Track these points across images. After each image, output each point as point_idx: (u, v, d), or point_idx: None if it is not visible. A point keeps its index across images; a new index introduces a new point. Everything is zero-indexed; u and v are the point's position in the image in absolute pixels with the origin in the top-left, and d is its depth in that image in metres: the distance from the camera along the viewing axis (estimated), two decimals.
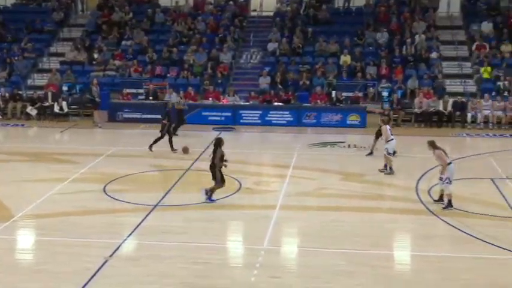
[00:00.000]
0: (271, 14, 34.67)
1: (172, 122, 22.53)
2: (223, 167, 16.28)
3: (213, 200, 16.40)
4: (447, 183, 15.93)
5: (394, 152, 19.59)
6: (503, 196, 17.14)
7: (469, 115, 26.45)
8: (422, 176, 18.89)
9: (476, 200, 16.64)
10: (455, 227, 14.82)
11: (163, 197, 16.91)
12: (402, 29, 31.96)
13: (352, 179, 18.94)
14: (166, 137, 21.92)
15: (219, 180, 16.34)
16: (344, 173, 19.50)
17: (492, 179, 18.54)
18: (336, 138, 24.04)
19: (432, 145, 16.27)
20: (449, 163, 16.00)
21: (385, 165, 19.18)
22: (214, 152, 16.31)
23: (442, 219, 15.34)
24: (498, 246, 13.63)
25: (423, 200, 16.77)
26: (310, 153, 22.11)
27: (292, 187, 17.96)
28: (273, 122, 26.89)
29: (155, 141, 21.87)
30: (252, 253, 13.47)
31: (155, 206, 16.18)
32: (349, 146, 23.14)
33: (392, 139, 19.37)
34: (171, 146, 21.88)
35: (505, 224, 15.17)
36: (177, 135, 23.95)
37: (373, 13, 33.41)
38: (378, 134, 20.64)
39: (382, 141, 20.10)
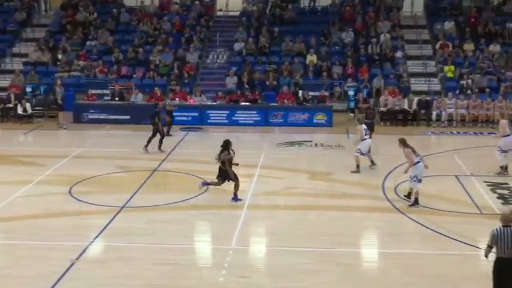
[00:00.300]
0: (238, 13, 34.67)
1: (161, 122, 22.43)
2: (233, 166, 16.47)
3: (239, 199, 16.48)
4: (415, 181, 16.10)
5: (369, 151, 19.73)
6: (468, 193, 17.37)
7: (434, 113, 26.76)
8: (389, 174, 19.05)
9: (441, 197, 16.83)
10: (421, 224, 14.98)
11: (130, 199, 16.78)
12: (367, 28, 32.21)
13: (319, 178, 19.01)
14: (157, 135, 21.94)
15: (234, 177, 16.44)
16: (311, 172, 19.57)
17: (457, 176, 18.77)
18: (303, 138, 24.12)
19: (403, 143, 16.46)
20: (418, 162, 16.13)
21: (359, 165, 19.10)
22: (221, 153, 16.38)
23: (408, 217, 15.49)
24: (463, 242, 13.81)
25: (389, 198, 16.92)
26: (277, 153, 22.15)
27: (260, 186, 17.97)
28: (240, 121, 26.89)
29: (160, 141, 21.82)
30: (220, 253, 13.46)
31: (122, 207, 16.06)
32: (316, 145, 23.23)
33: (366, 138, 19.55)
34: (147, 145, 21.74)
35: (469, 220, 15.37)
36: (171, 135, 24.15)
37: (338, 13, 33.63)
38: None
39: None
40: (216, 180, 16.61)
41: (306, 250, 13.50)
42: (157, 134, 21.86)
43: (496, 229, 10.35)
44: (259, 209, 16.23)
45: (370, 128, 21.05)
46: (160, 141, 21.84)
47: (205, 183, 16.83)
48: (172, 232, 14.49)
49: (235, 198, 16.48)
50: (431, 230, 14.63)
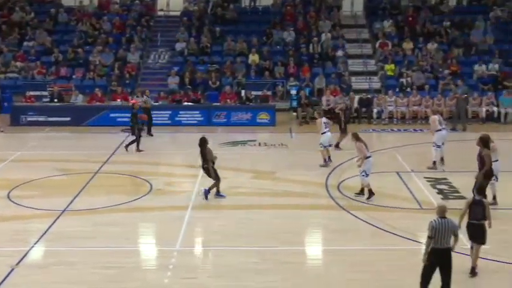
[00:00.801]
0: (179, 13, 34.46)
1: (138, 123, 22.22)
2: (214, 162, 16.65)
3: (222, 196, 16.71)
4: (363, 175, 16.39)
5: (330, 145, 20.14)
6: (409, 189, 17.68)
7: (375, 111, 27.14)
8: (332, 171, 19.23)
9: (383, 193, 17.06)
10: (363, 221, 15.18)
11: (71, 202, 16.49)
12: (308, 28, 32.46)
13: (263, 177, 19.06)
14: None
15: (215, 177, 16.61)
16: (255, 171, 19.60)
17: (397, 173, 19.07)
18: (246, 137, 24.14)
19: (356, 137, 16.72)
20: (369, 156, 16.44)
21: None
22: (202, 152, 16.59)
23: (352, 213, 15.67)
24: (405, 237, 14.07)
25: (333, 196, 17.07)
26: (221, 153, 21.95)
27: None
28: (183, 122, 26.73)
29: (132, 142, 21.73)
30: (164, 255, 13.38)
31: (63, 211, 15.77)
32: (259, 144, 23.28)
33: (325, 132, 19.82)
34: (138, 146, 21.80)
35: (410, 215, 15.66)
36: (152, 135, 24.19)
37: (279, 12, 33.79)
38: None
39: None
40: (213, 183, 16.78)
41: (251, 249, 13.52)
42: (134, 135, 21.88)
43: (434, 220, 10.78)
44: (203, 209, 16.17)
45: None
46: (131, 142, 21.75)
47: (207, 189, 16.70)
48: (116, 235, 14.31)
49: (217, 193, 16.75)
50: (374, 226, 14.84)
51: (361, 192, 16.72)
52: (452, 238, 10.82)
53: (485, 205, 12.07)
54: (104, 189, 17.77)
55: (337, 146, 21.60)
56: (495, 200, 16.17)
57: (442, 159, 19.97)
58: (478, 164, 15.81)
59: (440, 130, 19.79)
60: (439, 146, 19.73)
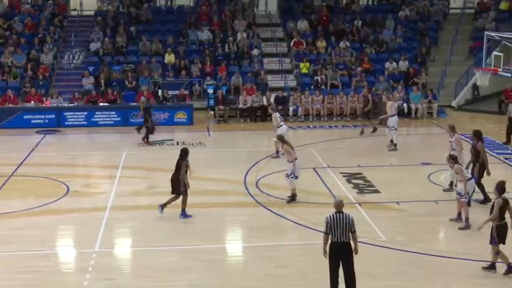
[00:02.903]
0: (92, 13, 33.97)
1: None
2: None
3: (189, 216, 15.30)
4: (292, 178, 16.49)
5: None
6: (325, 184, 18.13)
7: (291, 109, 27.57)
8: (250, 169, 19.48)
9: (300, 189, 17.38)
10: (282, 217, 15.49)
11: None
12: (224, 27, 32.64)
13: None
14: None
15: (184, 192, 15.26)
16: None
17: (314, 169, 19.50)
18: (164, 137, 24.08)
19: (281, 140, 17.11)
20: (295, 159, 16.54)
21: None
22: (179, 162, 15.34)
23: (270, 210, 15.96)
24: (323, 232, 14.30)
25: (251, 193, 17.31)
26: (139, 153, 22.00)
27: (123, 187, 17.82)
28: (100, 122, 26.40)
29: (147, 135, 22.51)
30: (84, 257, 13.30)
31: None
32: (177, 143, 23.26)
33: (281, 125, 20.58)
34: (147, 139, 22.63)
35: (328, 210, 15.81)
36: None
37: (194, 12, 33.83)
38: None
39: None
40: (172, 196, 15.45)
41: (171, 248, 13.62)
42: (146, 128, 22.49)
43: (330, 216, 10.98)
44: (122, 210, 16.11)
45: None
46: (146, 135, 22.55)
47: (162, 206, 15.38)
48: (33, 238, 14.09)
49: (184, 214, 15.34)
50: (292, 221, 15.18)
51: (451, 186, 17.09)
52: (351, 235, 10.86)
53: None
54: (20, 193, 17.43)
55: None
56: (451, 186, 17.01)
57: (391, 141, 21.95)
58: (471, 157, 16.44)
59: (394, 115, 21.98)
60: (396, 129, 21.93)
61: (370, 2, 36.95)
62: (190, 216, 15.36)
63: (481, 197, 16.02)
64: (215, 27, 32.43)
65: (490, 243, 12.21)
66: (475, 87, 29.14)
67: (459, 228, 14.53)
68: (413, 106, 27.41)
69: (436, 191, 17.39)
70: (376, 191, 17.45)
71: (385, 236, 14.15)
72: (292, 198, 16.54)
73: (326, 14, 33.44)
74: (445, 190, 17.33)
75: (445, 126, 18.30)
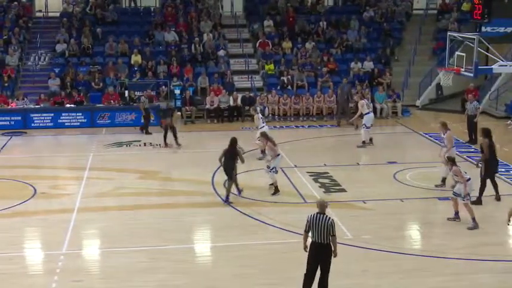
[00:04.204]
0: (58, 14, 33.72)
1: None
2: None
3: (230, 202, 16.47)
4: (272, 171, 17.16)
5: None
6: (292, 184, 18.29)
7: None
8: (217, 169, 19.53)
9: (268, 189, 17.55)
10: (249, 216, 15.61)
11: None
12: (190, 28, 32.66)
13: (149, 177, 19.13)
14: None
15: (235, 177, 16.66)
16: (141, 172, 19.61)
17: (281, 169, 19.56)
18: (131, 138, 24.05)
19: (265, 137, 17.77)
20: (278, 154, 17.34)
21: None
22: (234, 151, 16.51)
23: (238, 210, 16.06)
24: (290, 231, 14.58)
25: (219, 193, 17.38)
26: (106, 154, 21.95)
27: (90, 189, 17.77)
28: (66, 124, 26.23)
29: (175, 137, 22.30)
30: (51, 259, 13.25)
31: None
32: (144, 144, 23.28)
33: (263, 126, 20.87)
34: (165, 141, 22.54)
35: (295, 209, 16.20)
36: (150, 133, 24.51)
37: (160, 13, 33.80)
38: None
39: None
40: (228, 184, 16.69)
41: (139, 249, 13.64)
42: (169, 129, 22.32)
43: (311, 215, 11.12)
44: (89, 211, 16.07)
45: None
46: (175, 137, 22.38)
47: (227, 199, 16.54)
48: (0, 241, 13.99)
49: (227, 200, 16.49)
50: (260, 221, 15.30)
51: (275, 188, 17.36)
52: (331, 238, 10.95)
53: None
54: None
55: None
56: (444, 182, 17.33)
57: (371, 139, 22.49)
58: (481, 153, 16.86)
59: (368, 113, 22.39)
60: (368, 128, 22.30)
61: (334, 3, 37.25)
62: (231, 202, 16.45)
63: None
64: (181, 29, 32.43)
65: None
66: (438, 86, 29.62)
67: (468, 228, 14.71)
68: (378, 106, 27.71)
69: (401, 190, 17.69)
70: (343, 190, 17.67)
71: (352, 235, 14.35)
72: (276, 190, 17.22)
73: (292, 15, 33.67)
74: (437, 186, 17.70)
75: (437, 124, 18.79)
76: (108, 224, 15.22)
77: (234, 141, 16.62)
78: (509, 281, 12.27)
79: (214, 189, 17.79)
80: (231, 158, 16.47)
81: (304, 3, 35.53)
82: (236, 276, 12.46)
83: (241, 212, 15.94)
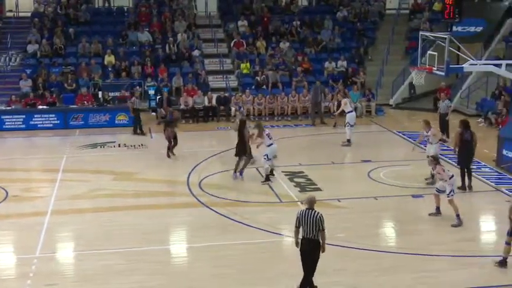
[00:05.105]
0: (29, 14, 33.37)
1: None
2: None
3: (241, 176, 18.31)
4: (265, 159, 18.07)
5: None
6: (268, 183, 18.22)
7: (233, 109, 27.65)
8: (192, 170, 19.49)
9: (243, 188, 17.57)
10: (225, 216, 15.56)
11: None
12: (164, 28, 32.51)
13: (124, 178, 18.99)
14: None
15: (250, 153, 18.47)
16: (116, 173, 19.47)
17: (257, 168, 19.59)
18: (105, 139, 23.87)
19: (258, 127, 18.64)
20: (271, 144, 18.25)
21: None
22: (242, 130, 18.32)
23: (214, 210, 16.01)
24: (266, 230, 14.59)
25: (194, 193, 17.34)
26: (80, 155, 21.73)
27: (64, 191, 17.58)
28: (39, 126, 25.94)
29: (173, 147, 21.34)
30: (24, 263, 13.10)
31: None
32: (119, 145, 23.12)
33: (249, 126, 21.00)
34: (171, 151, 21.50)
35: (271, 209, 16.23)
36: (144, 134, 24.59)
37: (134, 13, 33.61)
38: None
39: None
40: (241, 163, 18.33)
41: (115, 251, 13.53)
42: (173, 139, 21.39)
43: (300, 211, 11.23)
44: (64, 214, 15.89)
45: None
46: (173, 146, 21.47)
47: (240, 172, 18.32)
48: None
49: (241, 173, 18.31)
50: (236, 221, 15.26)
51: (268, 176, 18.15)
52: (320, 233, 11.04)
53: None
54: None
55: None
56: (433, 178, 17.33)
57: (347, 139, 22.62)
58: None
59: (350, 111, 22.69)
60: (352, 126, 22.54)
61: (308, 3, 37.34)
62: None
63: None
64: (155, 29, 32.29)
65: None
66: (411, 85, 29.81)
67: (452, 226, 14.78)
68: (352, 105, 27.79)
69: (375, 188, 17.77)
70: (318, 189, 17.69)
71: (328, 233, 14.33)
72: (267, 178, 18.13)
73: (267, 15, 33.68)
74: (426, 179, 17.95)
75: (420, 122, 19.03)
76: (83, 226, 15.07)
77: (242, 122, 18.60)
78: (485, 277, 12.38)
79: (190, 189, 17.72)
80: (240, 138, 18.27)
81: (278, 3, 35.59)
82: (214, 276, 12.42)
83: (217, 212, 15.88)
